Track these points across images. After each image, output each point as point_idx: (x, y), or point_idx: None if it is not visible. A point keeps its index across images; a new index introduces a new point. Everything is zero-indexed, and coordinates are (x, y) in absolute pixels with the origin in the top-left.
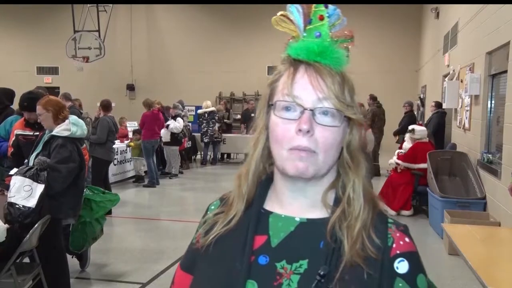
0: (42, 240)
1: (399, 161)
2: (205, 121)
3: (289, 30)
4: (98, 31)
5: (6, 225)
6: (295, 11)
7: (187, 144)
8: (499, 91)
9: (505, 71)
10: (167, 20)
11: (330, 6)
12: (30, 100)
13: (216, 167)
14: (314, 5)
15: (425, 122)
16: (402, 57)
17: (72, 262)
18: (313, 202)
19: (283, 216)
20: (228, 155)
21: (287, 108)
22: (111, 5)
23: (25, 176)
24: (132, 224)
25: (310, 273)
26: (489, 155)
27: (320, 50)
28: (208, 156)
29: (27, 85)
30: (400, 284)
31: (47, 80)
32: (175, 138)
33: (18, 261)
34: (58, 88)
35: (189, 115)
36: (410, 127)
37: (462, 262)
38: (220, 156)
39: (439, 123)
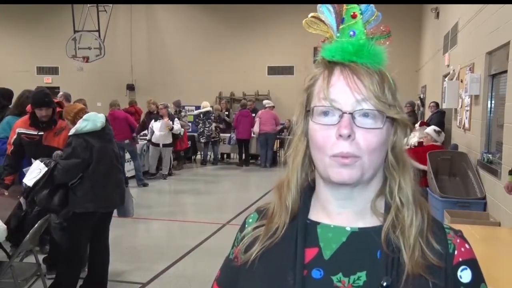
0: (65, 234)
1: (419, 165)
2: (201, 122)
3: (321, 32)
4: (98, 31)
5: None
6: (326, 11)
7: (188, 143)
8: (499, 91)
9: (505, 71)
10: (167, 20)
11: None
12: (49, 96)
13: (217, 167)
14: (346, 3)
15: (426, 122)
16: (402, 57)
17: None
18: (362, 210)
19: (332, 226)
20: (228, 155)
21: (325, 113)
22: (111, 5)
23: (41, 162)
24: (132, 224)
25: (370, 285)
26: (489, 155)
27: (356, 49)
28: (208, 156)
29: (27, 85)
30: None
31: (47, 80)
32: (175, 139)
33: (18, 261)
34: (58, 88)
35: (189, 115)
36: (437, 129)
37: None
38: (220, 156)
39: (440, 123)
